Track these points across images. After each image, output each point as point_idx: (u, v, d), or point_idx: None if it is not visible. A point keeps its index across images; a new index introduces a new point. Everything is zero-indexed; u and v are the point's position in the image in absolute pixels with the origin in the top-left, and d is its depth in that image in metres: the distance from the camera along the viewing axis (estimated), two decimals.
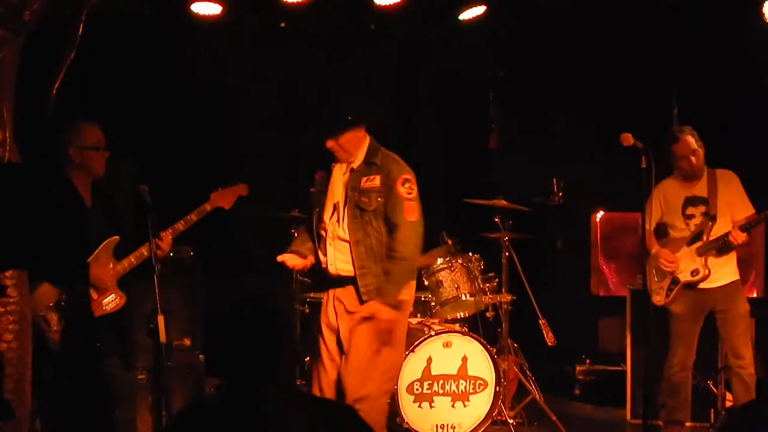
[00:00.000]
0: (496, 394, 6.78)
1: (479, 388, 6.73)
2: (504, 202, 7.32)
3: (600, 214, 8.64)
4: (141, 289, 5.51)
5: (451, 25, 8.15)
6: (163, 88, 7.83)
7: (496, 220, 7.38)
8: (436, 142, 8.74)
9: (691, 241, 6.71)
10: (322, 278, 5.73)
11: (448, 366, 6.81)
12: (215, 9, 7.44)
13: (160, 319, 5.07)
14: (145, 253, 5.40)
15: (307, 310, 7.24)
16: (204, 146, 8.18)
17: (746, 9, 7.60)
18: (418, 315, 7.21)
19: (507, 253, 7.35)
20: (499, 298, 7.22)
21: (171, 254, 6.45)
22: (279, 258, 5.72)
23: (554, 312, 7.77)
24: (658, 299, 6.77)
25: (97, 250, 5.36)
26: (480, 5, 7.89)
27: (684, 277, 6.68)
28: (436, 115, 9.05)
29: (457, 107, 9.13)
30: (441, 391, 6.78)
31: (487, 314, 7.38)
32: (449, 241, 7.28)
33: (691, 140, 6.67)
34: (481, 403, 6.80)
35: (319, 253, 5.67)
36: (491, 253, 7.42)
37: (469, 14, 7.95)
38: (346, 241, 5.51)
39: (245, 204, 5.97)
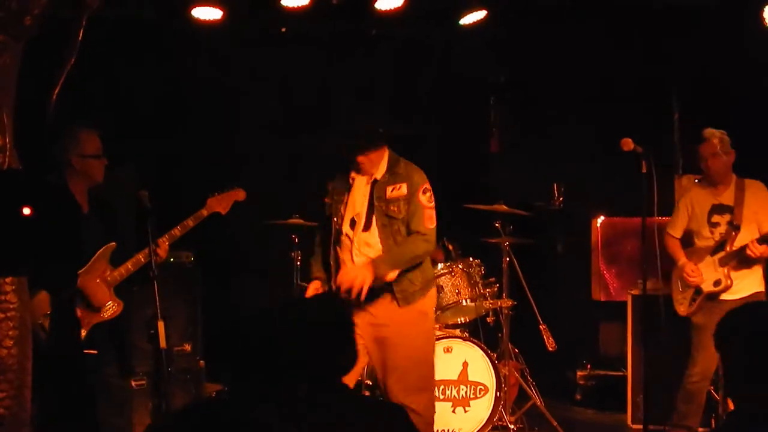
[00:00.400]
0: (497, 400, 6.77)
1: (480, 393, 6.73)
2: (504, 206, 7.31)
3: (601, 219, 8.63)
4: (141, 295, 5.51)
5: (451, 29, 8.15)
6: (163, 93, 7.82)
7: (497, 225, 7.38)
8: (436, 147, 8.73)
9: (715, 250, 6.66)
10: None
11: (449, 371, 6.81)
12: (216, 14, 7.44)
13: (161, 324, 5.07)
14: (142, 259, 5.39)
15: None
16: (204, 150, 8.17)
17: (746, 11, 7.59)
18: None
19: (507, 258, 7.34)
20: (499, 303, 7.21)
21: (171, 260, 6.46)
22: (310, 291, 5.74)
23: (555, 317, 7.77)
24: (682, 309, 6.76)
25: (93, 257, 5.36)
26: (481, 10, 7.89)
27: (706, 287, 6.64)
28: (437, 119, 9.04)
29: (458, 111, 9.12)
30: (442, 397, 6.77)
31: (488, 319, 7.38)
32: (450, 247, 7.28)
33: (715, 143, 6.63)
34: (481, 409, 6.80)
35: (344, 263, 5.67)
36: (492, 258, 7.41)
37: (469, 19, 7.94)
38: (376, 250, 5.57)
39: (244, 209, 5.97)
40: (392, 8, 7.60)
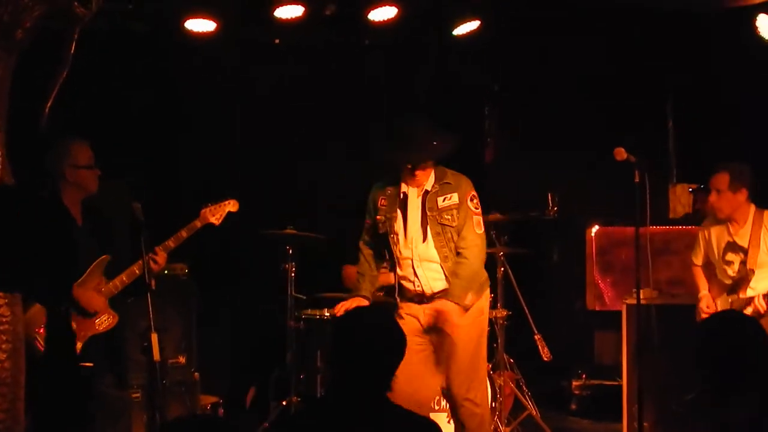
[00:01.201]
0: (492, 410, 6.76)
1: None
2: (499, 216, 7.31)
3: (595, 228, 8.63)
4: (135, 307, 5.50)
5: (445, 39, 8.16)
6: (157, 104, 7.82)
7: (492, 234, 7.37)
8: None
9: (730, 290, 6.49)
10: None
11: None
12: (209, 26, 7.44)
13: (154, 337, 5.06)
14: (137, 271, 5.39)
15: (303, 326, 7.22)
16: (198, 161, 8.17)
17: (740, 19, 7.61)
18: None
19: (502, 268, 7.34)
20: (494, 314, 7.20)
21: (165, 272, 6.45)
22: (343, 306, 5.80)
23: (550, 327, 7.77)
24: None
25: (88, 270, 5.35)
26: (474, 20, 7.90)
27: None
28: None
29: (452, 121, 9.11)
30: (437, 407, 6.76)
31: None
32: None
33: (723, 179, 6.34)
34: None
35: (406, 278, 5.83)
36: (486, 268, 7.40)
37: (463, 29, 7.95)
38: (434, 261, 5.75)
39: (238, 220, 5.96)
40: (385, 19, 7.61)
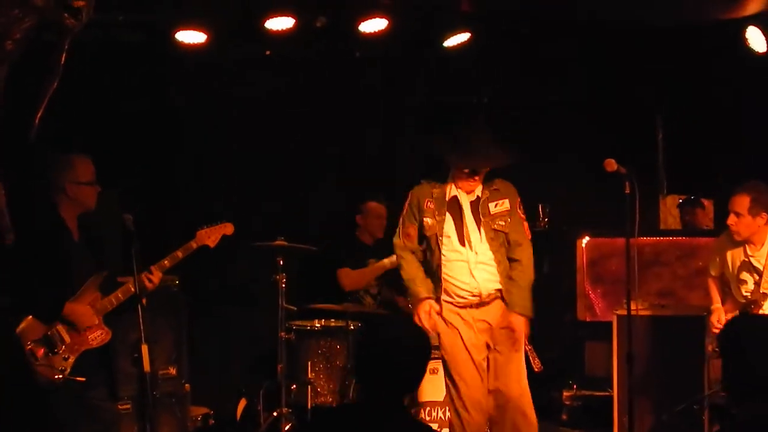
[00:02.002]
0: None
1: None
2: None
3: (586, 239, 8.65)
4: (127, 318, 5.50)
5: (435, 51, 8.17)
6: (147, 115, 7.80)
7: None
8: (421, 167, 8.73)
9: (742, 310, 6.42)
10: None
11: (435, 392, 6.80)
12: (200, 37, 7.44)
13: (144, 348, 5.06)
14: (132, 288, 5.37)
15: (293, 338, 7.21)
16: (188, 172, 8.16)
17: (729, 31, 7.64)
18: None
19: None
20: None
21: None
22: (422, 314, 5.92)
23: (541, 337, 7.75)
24: (710, 350, 6.68)
25: (84, 285, 5.34)
26: (464, 32, 7.93)
27: None
28: (421, 140, 9.04)
29: (441, 133, 9.13)
30: (428, 418, 6.77)
31: None
32: None
33: (743, 201, 6.26)
34: None
35: (458, 280, 5.92)
36: None
37: (453, 41, 7.98)
38: (490, 264, 5.90)
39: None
40: (376, 31, 7.63)
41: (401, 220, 6.12)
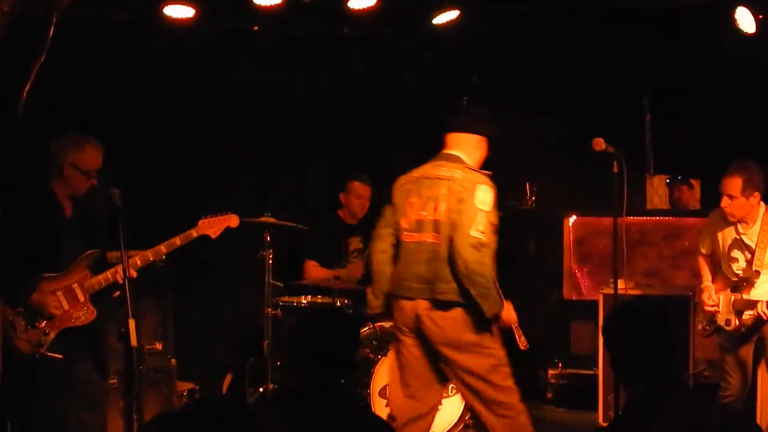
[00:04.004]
0: None
1: (451, 392, 6.70)
2: None
3: (572, 218, 8.66)
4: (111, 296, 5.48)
5: (424, 30, 8.15)
6: (134, 91, 7.75)
7: None
8: (407, 147, 8.73)
9: (734, 288, 6.41)
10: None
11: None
12: (188, 12, 7.40)
13: (131, 323, 5.03)
14: (120, 272, 5.28)
15: (280, 314, 7.22)
16: (174, 149, 8.13)
17: (718, 12, 7.62)
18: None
19: None
20: None
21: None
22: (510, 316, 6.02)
23: (526, 316, 7.77)
24: (699, 329, 6.67)
25: (74, 262, 5.31)
26: (453, 9, 7.91)
27: (720, 320, 6.42)
28: (408, 119, 9.03)
29: (430, 113, 9.12)
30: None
31: None
32: None
33: (735, 183, 6.20)
34: (453, 408, 6.80)
35: None
36: None
37: (442, 19, 7.96)
38: None
39: (215, 208, 5.94)
40: (365, 7, 7.60)
41: None
